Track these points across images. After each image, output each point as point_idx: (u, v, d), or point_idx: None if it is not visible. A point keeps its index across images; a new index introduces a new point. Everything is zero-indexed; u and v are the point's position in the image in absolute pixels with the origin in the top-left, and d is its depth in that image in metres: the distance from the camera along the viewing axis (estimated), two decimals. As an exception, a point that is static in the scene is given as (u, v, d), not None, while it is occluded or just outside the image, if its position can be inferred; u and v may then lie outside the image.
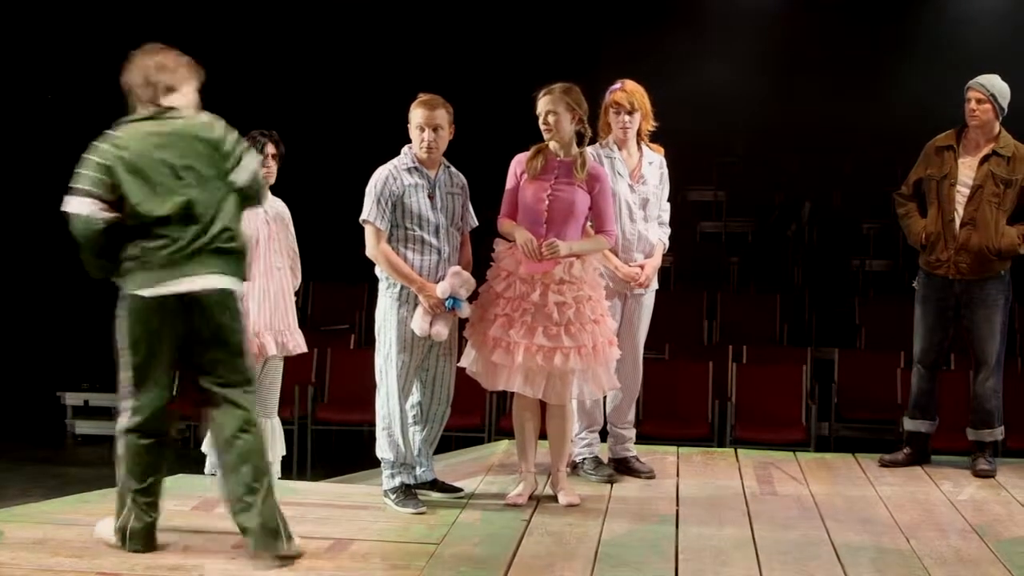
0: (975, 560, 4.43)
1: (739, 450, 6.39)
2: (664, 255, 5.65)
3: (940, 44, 12.22)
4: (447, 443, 7.79)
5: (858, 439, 8.10)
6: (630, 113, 5.40)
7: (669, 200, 5.68)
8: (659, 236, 5.58)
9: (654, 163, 5.53)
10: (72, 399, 9.95)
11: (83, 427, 9.79)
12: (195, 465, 6.21)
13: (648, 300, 5.57)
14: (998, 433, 5.99)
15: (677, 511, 5.04)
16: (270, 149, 5.75)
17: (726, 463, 6.06)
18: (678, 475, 5.72)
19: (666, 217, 5.65)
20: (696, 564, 4.28)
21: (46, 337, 10.69)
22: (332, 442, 9.07)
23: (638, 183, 5.46)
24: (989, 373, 5.91)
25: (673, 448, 6.33)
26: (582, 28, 13.03)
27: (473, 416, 7.88)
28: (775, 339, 9.49)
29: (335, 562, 4.20)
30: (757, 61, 12.87)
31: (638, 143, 5.51)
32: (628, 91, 5.42)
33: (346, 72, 12.24)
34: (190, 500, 4.97)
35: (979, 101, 5.76)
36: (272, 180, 5.82)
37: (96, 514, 4.70)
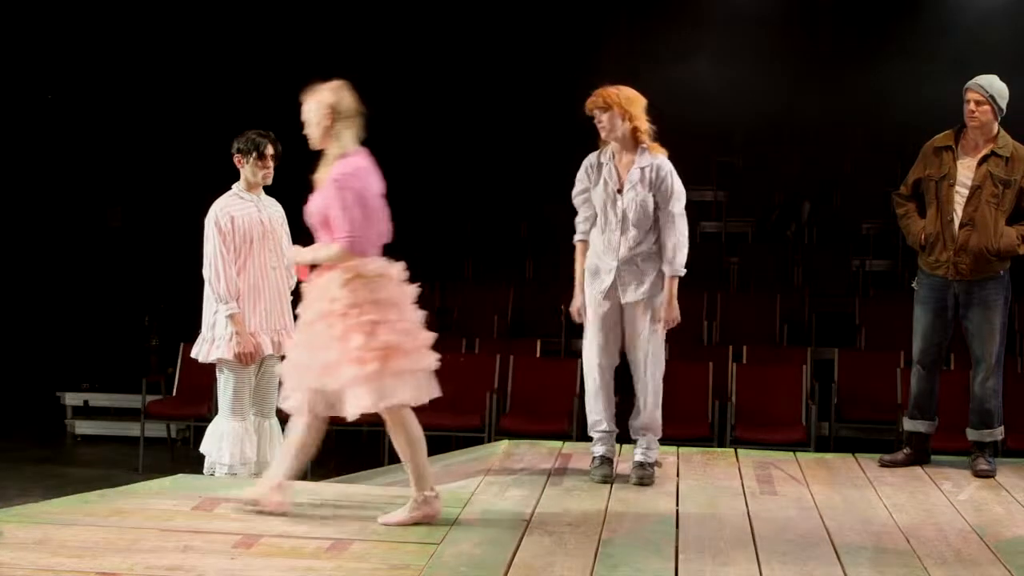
0: (975, 560, 4.42)
1: (739, 450, 6.38)
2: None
3: (940, 44, 12.23)
4: (447, 443, 7.81)
5: (858, 439, 8.10)
6: (605, 110, 5.25)
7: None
8: (669, 262, 5.57)
9: (647, 168, 5.37)
10: (72, 399, 9.97)
11: (83, 427, 9.81)
12: (195, 465, 6.22)
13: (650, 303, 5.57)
14: (998, 433, 5.98)
15: (677, 511, 5.03)
16: (268, 150, 5.76)
17: (726, 463, 6.05)
18: (678, 475, 5.71)
19: (673, 229, 5.61)
20: (696, 564, 4.28)
21: (46, 337, 10.71)
22: (332, 442, 9.07)
23: (622, 192, 5.35)
24: (989, 373, 5.91)
25: (673, 448, 6.31)
26: (582, 28, 13.03)
27: (473, 416, 7.88)
28: (775, 339, 9.48)
29: (335, 562, 4.19)
30: (757, 61, 12.87)
31: (637, 146, 5.36)
32: (595, 95, 5.26)
33: (343, 71, 12.24)
34: (190, 500, 4.96)
35: (978, 102, 5.74)
36: (270, 181, 5.84)
37: (96, 514, 4.70)
